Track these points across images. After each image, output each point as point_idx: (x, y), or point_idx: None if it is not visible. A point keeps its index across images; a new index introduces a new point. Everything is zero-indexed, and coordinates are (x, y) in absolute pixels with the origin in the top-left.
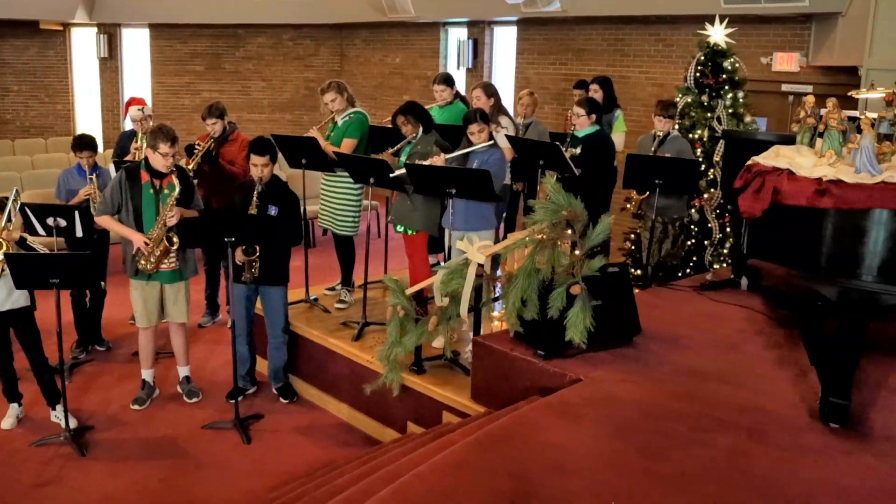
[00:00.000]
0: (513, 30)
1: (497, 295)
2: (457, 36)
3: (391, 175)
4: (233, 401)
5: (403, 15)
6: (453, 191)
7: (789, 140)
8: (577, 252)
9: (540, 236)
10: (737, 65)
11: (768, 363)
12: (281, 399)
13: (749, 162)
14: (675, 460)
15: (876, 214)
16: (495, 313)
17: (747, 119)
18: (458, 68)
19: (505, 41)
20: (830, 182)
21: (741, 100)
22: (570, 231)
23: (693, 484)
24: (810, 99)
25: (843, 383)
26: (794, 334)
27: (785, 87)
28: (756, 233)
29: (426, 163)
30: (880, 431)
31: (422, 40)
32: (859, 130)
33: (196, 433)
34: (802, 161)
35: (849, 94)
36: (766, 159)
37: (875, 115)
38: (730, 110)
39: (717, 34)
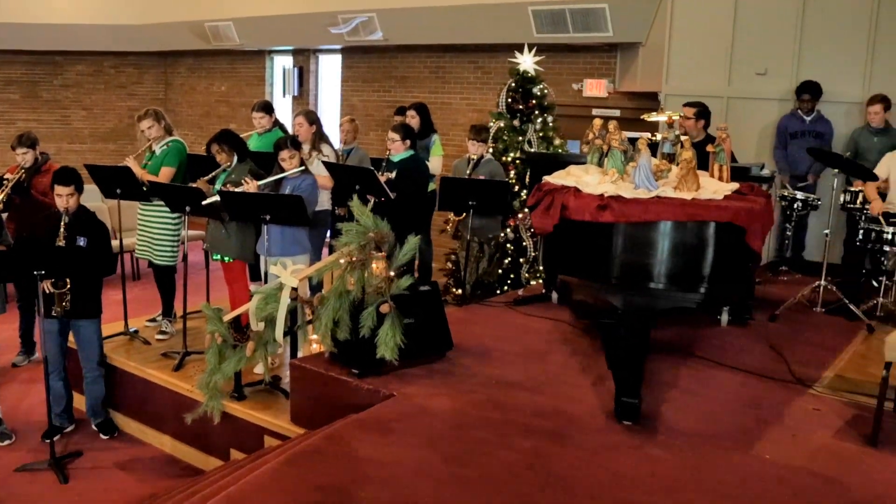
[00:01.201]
0: (337, 58)
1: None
2: (282, 64)
3: (203, 203)
4: (48, 440)
5: (228, 43)
6: (267, 217)
7: (583, 161)
8: (387, 272)
9: (349, 258)
10: (545, 91)
11: (572, 370)
12: (101, 435)
13: (542, 181)
14: (480, 465)
15: (661, 226)
16: (314, 336)
17: (557, 142)
18: (284, 96)
19: (330, 69)
20: (611, 197)
21: (550, 123)
22: (378, 251)
23: (497, 486)
24: (597, 122)
25: (632, 383)
26: (598, 342)
27: (595, 112)
28: (550, 248)
29: (238, 190)
30: (668, 426)
31: (247, 68)
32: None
33: (9, 477)
34: (588, 179)
35: (641, 117)
36: (556, 178)
37: (659, 137)
38: (540, 134)
39: (527, 62)
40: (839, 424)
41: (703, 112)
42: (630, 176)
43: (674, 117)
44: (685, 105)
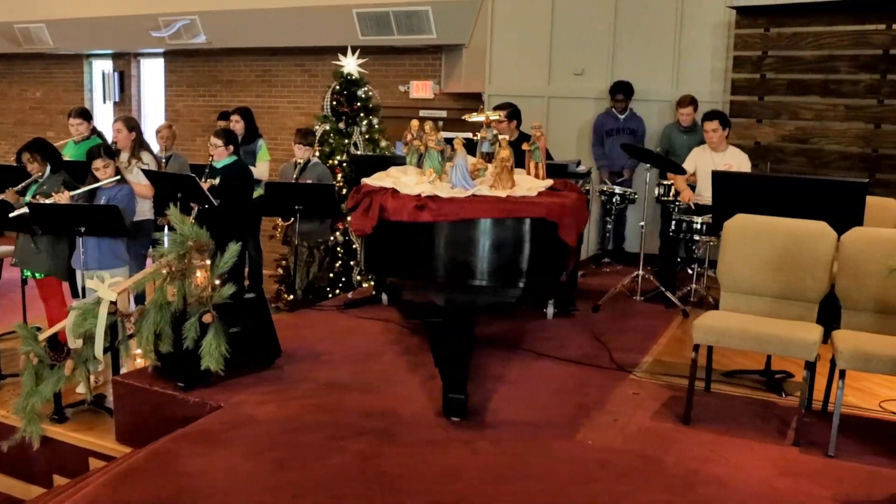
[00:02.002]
0: (160, 61)
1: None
2: (101, 68)
3: (11, 215)
4: None
5: (41, 46)
6: (82, 229)
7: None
8: (209, 281)
9: (168, 268)
10: (370, 93)
11: (402, 370)
12: None
13: (361, 183)
14: (310, 469)
15: (480, 224)
16: (137, 350)
17: (383, 143)
18: (105, 102)
19: (153, 73)
20: (428, 197)
21: (376, 125)
22: (198, 260)
23: (327, 488)
24: (414, 123)
25: (459, 379)
26: (427, 341)
27: (422, 113)
28: (371, 249)
29: (49, 201)
30: (496, 419)
31: (64, 73)
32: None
33: None
34: (406, 179)
35: (462, 117)
36: (374, 180)
37: (478, 136)
38: (366, 136)
39: (351, 64)
40: (657, 406)
41: (513, 113)
42: (448, 176)
43: (491, 117)
44: (495, 108)
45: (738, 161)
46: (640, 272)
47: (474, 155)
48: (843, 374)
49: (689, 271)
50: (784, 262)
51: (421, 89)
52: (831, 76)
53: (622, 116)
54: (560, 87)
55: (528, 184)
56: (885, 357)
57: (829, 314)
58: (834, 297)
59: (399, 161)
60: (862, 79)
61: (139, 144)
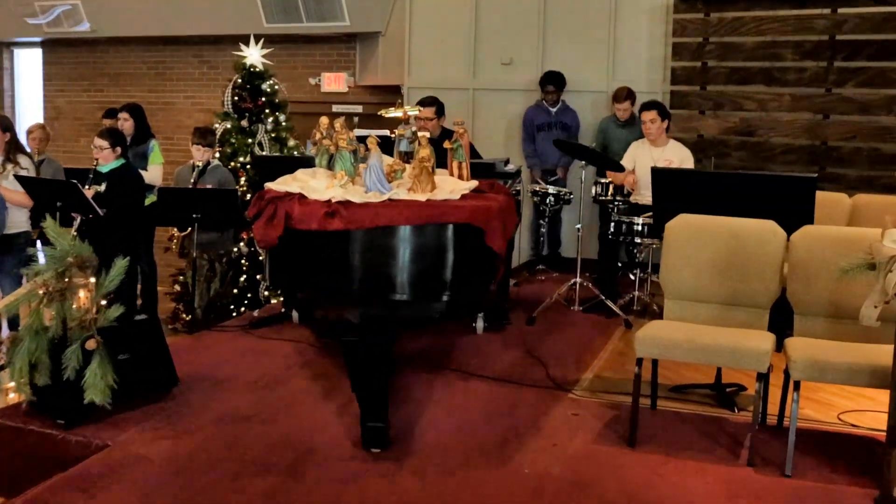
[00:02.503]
0: (37, 52)
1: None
2: None
3: None
4: None
5: None
6: None
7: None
8: (93, 302)
9: (44, 289)
10: (276, 87)
11: (314, 396)
12: None
13: (264, 188)
14: None
15: (398, 231)
16: (9, 384)
17: (291, 143)
18: None
19: (29, 65)
20: (339, 203)
21: (283, 123)
22: (80, 279)
23: None
24: (324, 120)
25: (377, 405)
26: (342, 362)
27: (336, 108)
28: (278, 262)
29: None
30: (421, 447)
31: None
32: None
33: None
34: (315, 184)
35: (379, 112)
36: (280, 184)
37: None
38: (272, 135)
39: (254, 55)
40: (598, 427)
41: (442, 108)
42: (361, 178)
43: (410, 112)
44: (419, 103)
45: (679, 156)
46: (578, 279)
47: (391, 155)
48: (797, 385)
49: (632, 277)
50: (731, 266)
51: (333, 82)
52: (775, 64)
53: (554, 110)
54: (486, 78)
55: (451, 186)
56: (840, 365)
57: (782, 320)
58: (786, 301)
59: (308, 163)
60: (807, 66)
61: (14, 147)
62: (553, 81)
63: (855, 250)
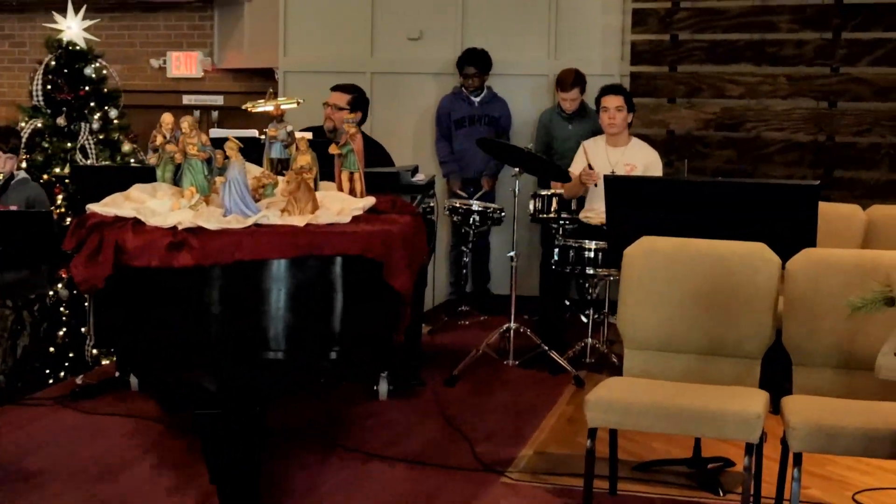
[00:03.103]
0: None
1: None
2: None
3: None
4: None
5: None
6: None
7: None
8: None
9: None
10: (105, 71)
11: (161, 490)
12: None
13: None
14: None
15: (270, 268)
16: None
17: (126, 148)
18: None
19: None
20: (189, 231)
21: (115, 121)
22: None
23: None
24: (167, 118)
25: (245, 499)
26: (198, 445)
27: (188, 100)
28: (108, 311)
29: None
30: None
31: None
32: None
33: None
34: (155, 204)
35: (244, 106)
36: (108, 206)
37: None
38: (100, 136)
39: (73, 29)
40: None
41: (360, 99)
42: (219, 196)
43: (284, 106)
44: (336, 89)
45: (644, 159)
46: (513, 324)
47: (259, 164)
48: (798, 458)
49: (584, 320)
50: (710, 303)
51: (183, 65)
52: (767, 36)
53: (477, 99)
54: (388, 58)
55: (338, 205)
56: (854, 431)
57: (777, 373)
58: (782, 348)
59: (147, 175)
60: (809, 38)
61: None
62: (475, 62)
63: (870, 280)
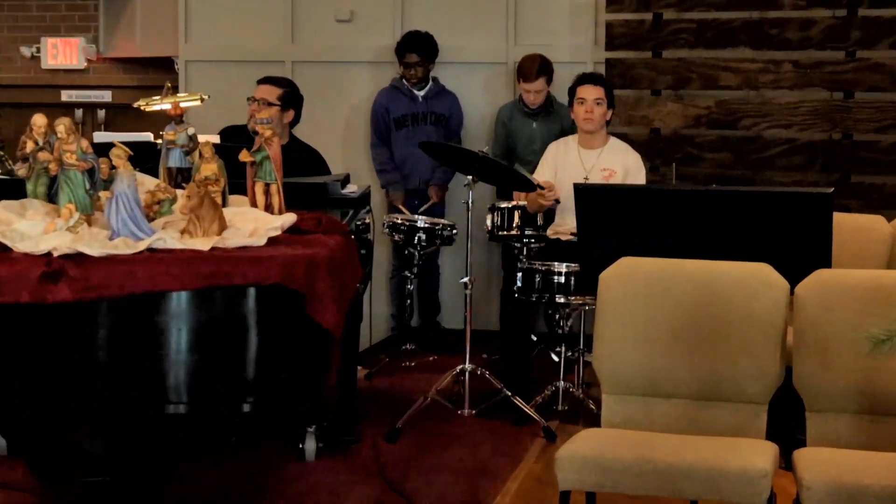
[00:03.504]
0: None
1: None
2: None
3: None
4: None
5: None
6: None
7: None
8: None
9: None
10: None
11: None
12: None
13: None
14: None
15: (171, 302)
16: None
17: None
18: None
19: None
20: (67, 258)
21: None
22: None
23: None
24: (39, 119)
25: None
26: None
27: (67, 96)
28: None
29: None
30: None
31: None
32: None
33: None
34: (26, 226)
35: (136, 104)
36: None
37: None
38: None
39: None
40: None
41: (293, 95)
42: (103, 216)
43: (185, 104)
44: (264, 82)
45: (623, 164)
46: (468, 365)
47: (155, 174)
48: None
49: (554, 358)
50: (705, 337)
51: (62, 53)
52: (768, 14)
53: (421, 93)
54: (312, 44)
55: (251, 224)
56: (880, 491)
57: (787, 421)
58: (792, 390)
59: (15, 189)
60: (818, 17)
61: None
62: (418, 48)
63: None
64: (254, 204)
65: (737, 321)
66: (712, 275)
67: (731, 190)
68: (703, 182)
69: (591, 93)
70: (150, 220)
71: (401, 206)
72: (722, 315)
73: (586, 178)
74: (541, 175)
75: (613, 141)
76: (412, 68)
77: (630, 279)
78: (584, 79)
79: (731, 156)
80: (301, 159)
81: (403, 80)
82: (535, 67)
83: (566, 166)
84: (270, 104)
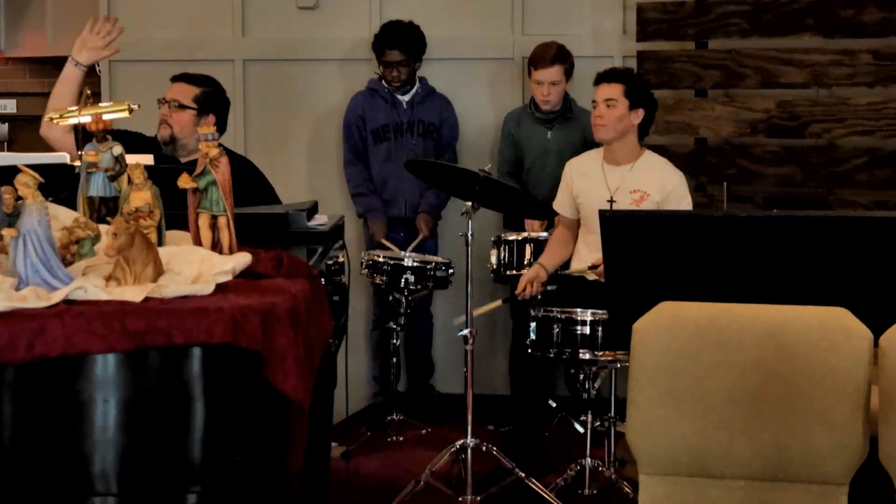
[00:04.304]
0: None
1: None
2: None
3: None
4: None
5: None
6: None
7: None
8: None
9: None
10: None
11: None
12: None
13: None
14: None
15: (95, 367)
16: None
17: None
18: None
19: None
20: None
21: None
22: None
23: None
24: None
25: None
26: None
27: None
28: None
29: None
30: None
31: None
32: None
33: None
34: None
35: (47, 117)
36: None
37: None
38: None
39: None
40: None
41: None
42: (8, 258)
43: (109, 115)
44: (178, 79)
45: (661, 183)
46: (470, 440)
47: (72, 206)
48: None
49: (578, 429)
50: (766, 401)
51: None
52: None
53: (405, 98)
54: (268, 37)
55: (195, 266)
56: None
57: (871, 501)
58: (878, 465)
59: None
60: None
61: None
62: (400, 42)
63: None
64: (197, 242)
65: (808, 381)
66: (776, 323)
67: (798, 215)
68: (762, 205)
69: (601, 93)
70: (68, 263)
71: (383, 240)
72: (789, 374)
73: (611, 202)
74: (562, 201)
75: (648, 155)
76: (394, 68)
77: (672, 329)
78: (598, 77)
79: (797, 170)
80: (245, 178)
81: (383, 83)
82: (552, 52)
83: (590, 188)
84: (182, 106)
